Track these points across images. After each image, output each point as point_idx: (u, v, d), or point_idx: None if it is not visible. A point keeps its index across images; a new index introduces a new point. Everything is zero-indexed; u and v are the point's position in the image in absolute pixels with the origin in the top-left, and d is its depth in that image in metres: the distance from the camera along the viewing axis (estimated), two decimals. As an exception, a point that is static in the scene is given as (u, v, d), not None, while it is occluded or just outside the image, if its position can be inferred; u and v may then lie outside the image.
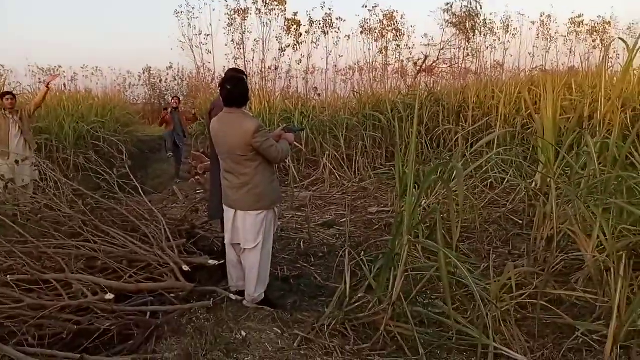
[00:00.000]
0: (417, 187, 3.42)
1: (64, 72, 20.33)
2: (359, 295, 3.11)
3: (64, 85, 17.59)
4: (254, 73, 13.85)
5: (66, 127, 9.19)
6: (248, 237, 3.28)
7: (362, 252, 4.17)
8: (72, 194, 4.62)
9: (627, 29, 15.62)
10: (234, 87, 3.21)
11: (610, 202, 3.27)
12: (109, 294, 2.92)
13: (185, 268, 3.33)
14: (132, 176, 5.19)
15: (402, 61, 14.61)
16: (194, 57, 15.73)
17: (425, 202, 5.20)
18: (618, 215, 3.36)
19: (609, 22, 16.07)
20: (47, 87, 6.34)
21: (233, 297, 3.26)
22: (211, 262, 3.53)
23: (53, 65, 20.35)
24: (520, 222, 4.99)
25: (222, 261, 3.57)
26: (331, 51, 13.77)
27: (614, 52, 13.13)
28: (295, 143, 3.89)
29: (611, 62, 11.54)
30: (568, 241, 3.74)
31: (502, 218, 5.14)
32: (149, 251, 3.56)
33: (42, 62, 20.65)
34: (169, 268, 3.34)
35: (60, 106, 10.42)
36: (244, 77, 3.39)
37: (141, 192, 4.71)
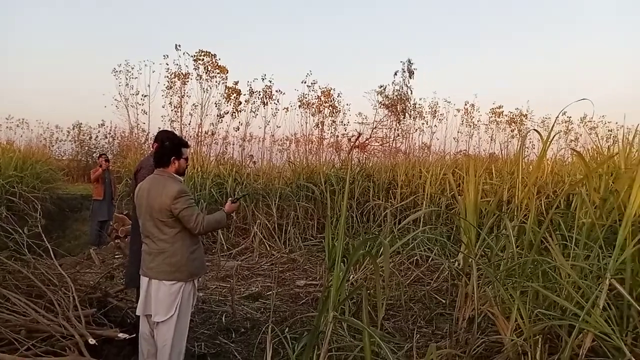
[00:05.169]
0: (345, 261, 3.39)
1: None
2: (280, 376, 2.95)
3: (-17, 135, 16.62)
4: (190, 137, 13.77)
5: (-22, 179, 8.54)
6: (160, 308, 3.07)
7: (287, 328, 4.03)
8: (-28, 252, 4.20)
9: (542, 122, 17.26)
10: (159, 147, 3.19)
11: (527, 285, 3.40)
12: (-3, 369, 2.60)
13: (92, 341, 3.05)
14: (44, 236, 4.81)
15: (337, 136, 15.15)
16: (128, 117, 15.44)
17: (353, 277, 5.18)
18: (534, 298, 3.49)
19: (525, 114, 17.69)
20: None
21: (142, 376, 2.98)
22: (121, 335, 3.27)
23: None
24: (444, 301, 5.07)
25: (134, 335, 3.30)
26: (269, 121, 14.07)
27: (530, 142, 14.36)
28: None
29: (527, 151, 12.57)
30: (488, 322, 3.81)
31: (426, 296, 5.20)
32: (53, 320, 3.25)
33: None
34: (74, 341, 3.07)
35: (-24, 157, 9.74)
36: (172, 137, 3.32)
37: (52, 254, 4.35)
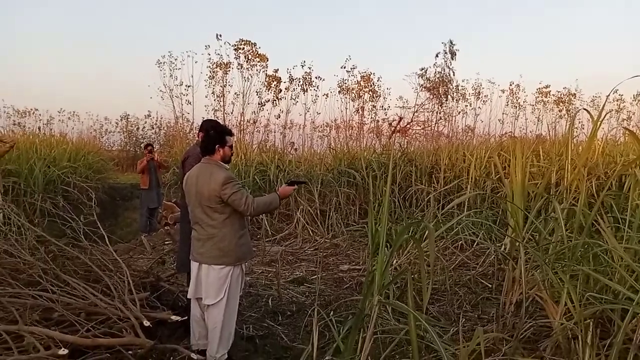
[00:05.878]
0: (388, 246, 3.41)
1: (39, 115, 20.28)
2: (327, 358, 3.02)
3: (39, 128, 17.45)
4: (233, 125, 13.96)
5: (36, 170, 8.96)
6: (210, 292, 3.18)
7: (332, 312, 4.09)
8: (35, 239, 4.46)
9: (591, 101, 16.44)
10: (205, 136, 3.31)
11: (577, 268, 3.31)
12: (63, 349, 2.77)
13: (147, 323, 3.19)
14: (99, 224, 5.05)
15: (378, 121, 14.94)
16: (173, 107, 15.81)
17: (396, 262, 5.19)
18: (584, 282, 3.40)
19: (574, 93, 16.89)
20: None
21: (194, 356, 3.12)
22: (174, 317, 3.41)
23: (29, 107, 20.27)
24: (490, 285, 5.00)
25: (186, 317, 3.44)
26: (309, 108, 14.02)
27: (579, 122, 13.75)
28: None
29: (577, 131, 12.05)
30: (536, 307, 3.75)
31: (471, 281, 5.15)
32: (110, 304, 3.41)
33: (19, 103, 20.58)
34: (129, 323, 3.21)
35: (32, 149, 10.23)
36: (216, 126, 3.44)
37: (107, 241, 4.57)
